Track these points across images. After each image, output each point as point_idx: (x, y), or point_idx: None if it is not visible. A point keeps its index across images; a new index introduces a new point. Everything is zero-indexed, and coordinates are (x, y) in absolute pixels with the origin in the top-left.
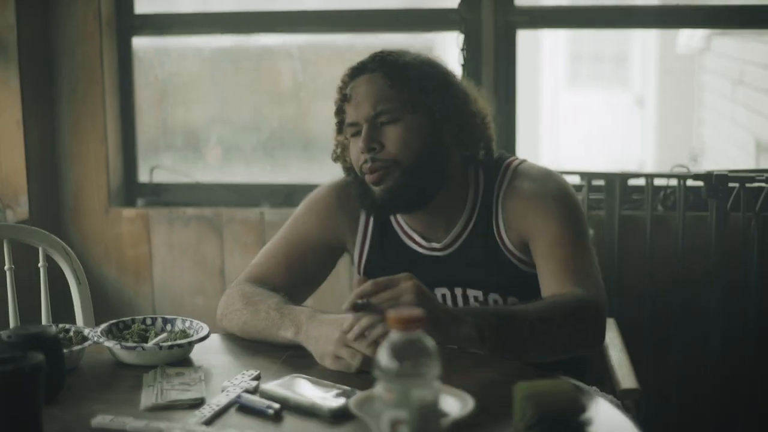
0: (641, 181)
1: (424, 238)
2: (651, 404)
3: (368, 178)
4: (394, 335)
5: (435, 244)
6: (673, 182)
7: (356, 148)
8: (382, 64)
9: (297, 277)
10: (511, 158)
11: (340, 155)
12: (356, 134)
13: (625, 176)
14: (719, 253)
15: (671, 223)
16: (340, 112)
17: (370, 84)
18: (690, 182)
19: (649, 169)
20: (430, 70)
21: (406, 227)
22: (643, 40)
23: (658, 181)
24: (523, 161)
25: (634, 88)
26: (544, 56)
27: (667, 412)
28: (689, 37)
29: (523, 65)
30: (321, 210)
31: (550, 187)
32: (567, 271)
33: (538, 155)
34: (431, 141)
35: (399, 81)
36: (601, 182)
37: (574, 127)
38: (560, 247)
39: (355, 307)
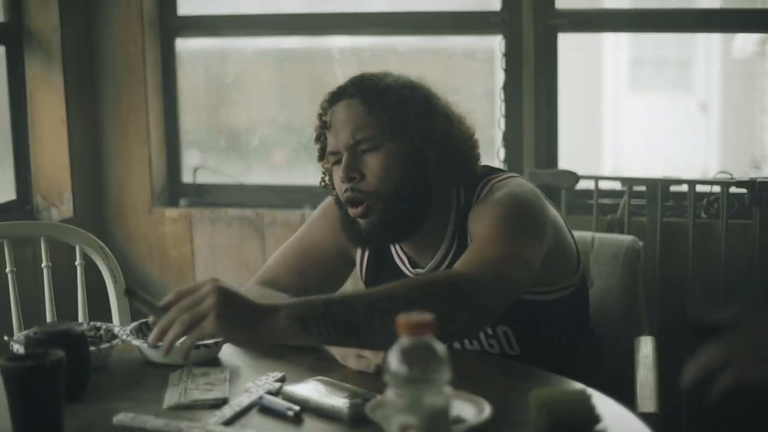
0: (684, 188)
1: (411, 263)
2: (693, 415)
3: (351, 211)
4: (404, 340)
5: (420, 270)
6: (717, 189)
7: (338, 177)
8: (360, 89)
9: (308, 282)
10: (493, 175)
11: (329, 183)
12: (337, 162)
13: (667, 182)
14: (762, 261)
15: (714, 231)
16: (320, 139)
17: (349, 110)
18: (733, 189)
19: (712, 175)
20: (409, 94)
21: (399, 250)
22: (706, 43)
23: (701, 188)
24: (508, 177)
25: (697, 93)
26: (606, 60)
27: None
28: (744, 42)
29: (584, 70)
30: (333, 217)
31: (498, 194)
32: (468, 258)
33: (600, 160)
34: (412, 167)
35: (377, 106)
36: (642, 188)
37: (635, 133)
38: (480, 241)
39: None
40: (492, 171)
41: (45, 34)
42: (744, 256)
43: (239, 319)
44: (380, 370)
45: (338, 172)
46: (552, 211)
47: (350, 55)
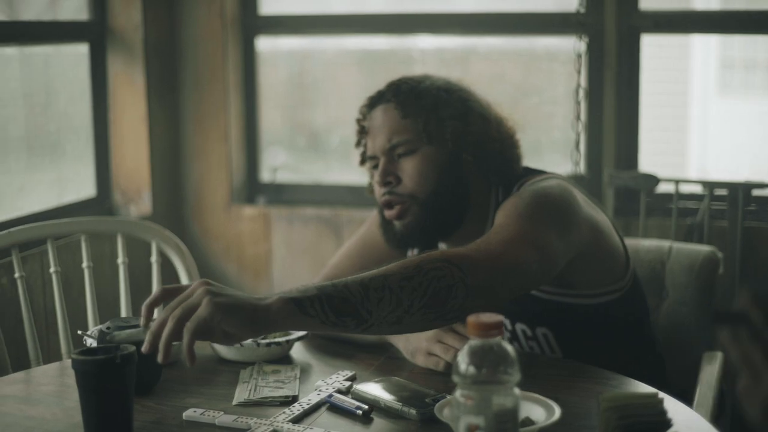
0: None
1: None
2: None
3: (387, 213)
4: (474, 341)
5: None
6: None
7: (375, 180)
8: (396, 93)
9: None
10: (531, 176)
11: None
12: (375, 167)
13: (749, 186)
14: None
15: None
16: (361, 143)
17: (385, 115)
18: None
19: None
20: (445, 98)
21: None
22: None
23: None
24: (545, 178)
25: None
26: (694, 63)
27: None
28: None
29: (671, 72)
30: None
31: (525, 190)
32: (477, 241)
33: (685, 164)
34: (448, 171)
35: (413, 111)
36: (724, 192)
37: (722, 137)
38: (492, 228)
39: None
40: (532, 171)
41: (128, 33)
42: None
43: (234, 302)
44: (449, 368)
45: (376, 176)
46: (588, 211)
47: (432, 55)
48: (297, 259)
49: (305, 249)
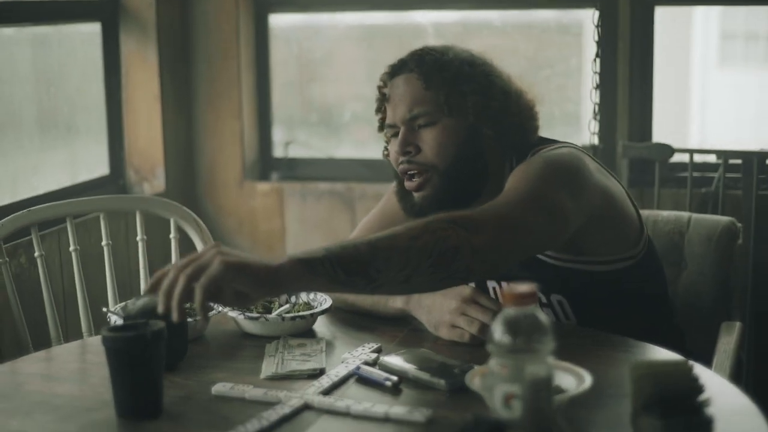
0: None
1: None
2: None
3: (407, 184)
4: (509, 310)
5: None
6: None
7: (393, 149)
8: (419, 64)
9: None
10: (545, 145)
11: (389, 154)
12: (395, 135)
13: (764, 155)
14: None
15: None
16: (380, 111)
17: (407, 85)
18: None
19: None
20: (468, 71)
21: None
22: None
23: None
24: (558, 147)
25: None
26: (695, 34)
27: None
28: None
29: (673, 43)
30: None
31: (537, 158)
32: (485, 205)
33: (686, 134)
34: (468, 144)
35: (435, 83)
36: (738, 161)
37: (723, 108)
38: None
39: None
40: (545, 141)
41: (141, 11)
42: None
43: (245, 261)
44: (474, 340)
45: (394, 145)
46: (599, 177)
47: (442, 29)
48: (310, 234)
49: (318, 224)
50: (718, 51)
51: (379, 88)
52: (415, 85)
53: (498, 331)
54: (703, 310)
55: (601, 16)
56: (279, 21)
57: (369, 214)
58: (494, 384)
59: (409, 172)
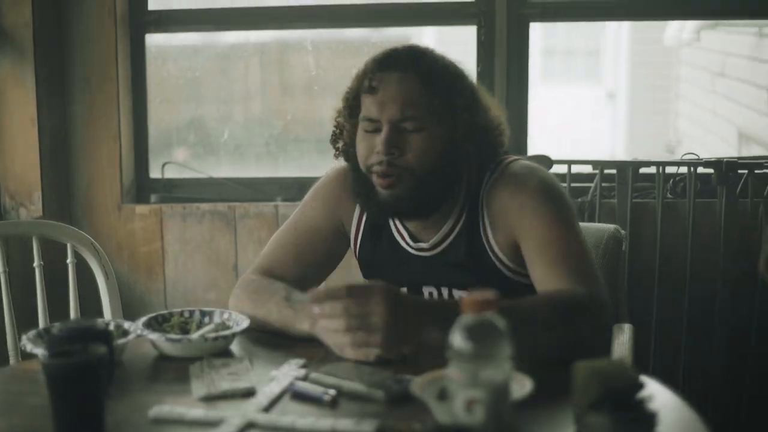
0: (651, 170)
1: (412, 237)
2: None
3: (378, 181)
4: (467, 317)
5: (422, 244)
6: (683, 170)
7: (368, 143)
8: (417, 64)
9: (306, 266)
10: (506, 158)
11: (340, 136)
12: (373, 131)
13: (637, 164)
14: (728, 238)
15: (680, 210)
16: (353, 98)
17: (402, 85)
18: (700, 170)
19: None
20: (460, 84)
21: (398, 225)
22: (616, 34)
23: (668, 170)
24: (516, 160)
25: (606, 82)
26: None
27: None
28: (679, 30)
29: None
30: (327, 195)
31: (531, 182)
32: (562, 271)
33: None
34: (448, 156)
35: (430, 88)
36: (612, 171)
37: (546, 121)
38: (551, 246)
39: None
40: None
41: (17, 31)
42: (709, 234)
43: (412, 324)
44: (379, 359)
45: (370, 140)
46: None
47: (323, 47)
48: (191, 255)
49: (200, 245)
50: (541, 68)
51: (362, 75)
52: (411, 87)
53: (458, 338)
54: None
55: (482, 33)
56: (157, 40)
57: (280, 231)
58: (455, 390)
59: (386, 173)
